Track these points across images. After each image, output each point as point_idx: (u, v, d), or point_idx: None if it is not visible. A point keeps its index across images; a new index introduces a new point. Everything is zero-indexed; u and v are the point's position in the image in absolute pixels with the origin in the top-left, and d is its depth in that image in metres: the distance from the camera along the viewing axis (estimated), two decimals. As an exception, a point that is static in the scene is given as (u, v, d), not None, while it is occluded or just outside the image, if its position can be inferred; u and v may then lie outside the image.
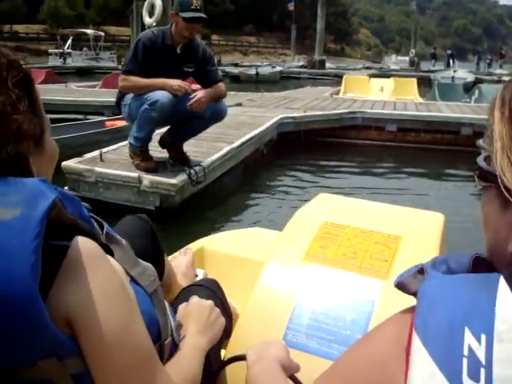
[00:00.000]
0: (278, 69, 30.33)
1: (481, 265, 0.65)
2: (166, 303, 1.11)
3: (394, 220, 1.76)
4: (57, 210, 0.79)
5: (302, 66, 35.84)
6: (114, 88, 12.52)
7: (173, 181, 4.37)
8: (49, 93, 10.36)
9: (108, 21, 50.88)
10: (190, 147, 5.48)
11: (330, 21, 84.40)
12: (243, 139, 6.18)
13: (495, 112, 0.62)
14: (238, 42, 78.46)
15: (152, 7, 12.47)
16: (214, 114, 4.36)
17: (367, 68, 37.94)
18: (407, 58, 43.50)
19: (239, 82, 27.60)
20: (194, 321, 1.18)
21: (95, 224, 0.91)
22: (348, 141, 8.86)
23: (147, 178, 4.41)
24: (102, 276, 0.84)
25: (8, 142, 0.82)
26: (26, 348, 0.77)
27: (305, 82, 26.86)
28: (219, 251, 2.17)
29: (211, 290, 1.51)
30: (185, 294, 1.42)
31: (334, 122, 8.67)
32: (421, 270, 0.67)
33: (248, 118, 7.94)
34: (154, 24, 12.39)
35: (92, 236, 0.86)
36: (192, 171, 4.60)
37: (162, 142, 4.87)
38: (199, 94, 4.20)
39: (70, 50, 32.03)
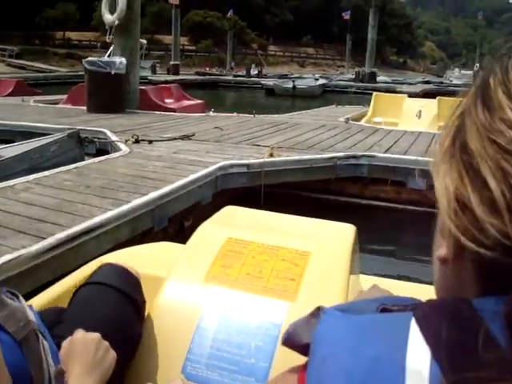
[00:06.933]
0: (320, 82, 27.11)
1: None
2: (45, 347, 0.98)
3: (303, 234, 1.65)
4: None
5: (352, 80, 32.52)
6: (82, 105, 9.69)
7: None
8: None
9: (162, 30, 48.96)
10: None
11: (392, 33, 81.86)
12: (75, 228, 3.00)
13: None
14: (295, 53, 76.68)
15: (114, 2, 9.47)
16: None
17: (426, 82, 34.16)
18: (471, 73, 39.44)
19: (274, 95, 24.67)
20: (79, 360, 1.02)
21: None
22: (347, 200, 5.57)
23: None
24: None
25: None
26: None
27: (352, 97, 23.84)
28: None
29: (117, 288, 1.31)
30: (82, 300, 1.31)
31: (321, 171, 5.32)
32: (316, 312, 0.49)
33: (162, 169, 4.71)
34: (117, 22, 9.48)
35: None
36: None
37: None
38: None
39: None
